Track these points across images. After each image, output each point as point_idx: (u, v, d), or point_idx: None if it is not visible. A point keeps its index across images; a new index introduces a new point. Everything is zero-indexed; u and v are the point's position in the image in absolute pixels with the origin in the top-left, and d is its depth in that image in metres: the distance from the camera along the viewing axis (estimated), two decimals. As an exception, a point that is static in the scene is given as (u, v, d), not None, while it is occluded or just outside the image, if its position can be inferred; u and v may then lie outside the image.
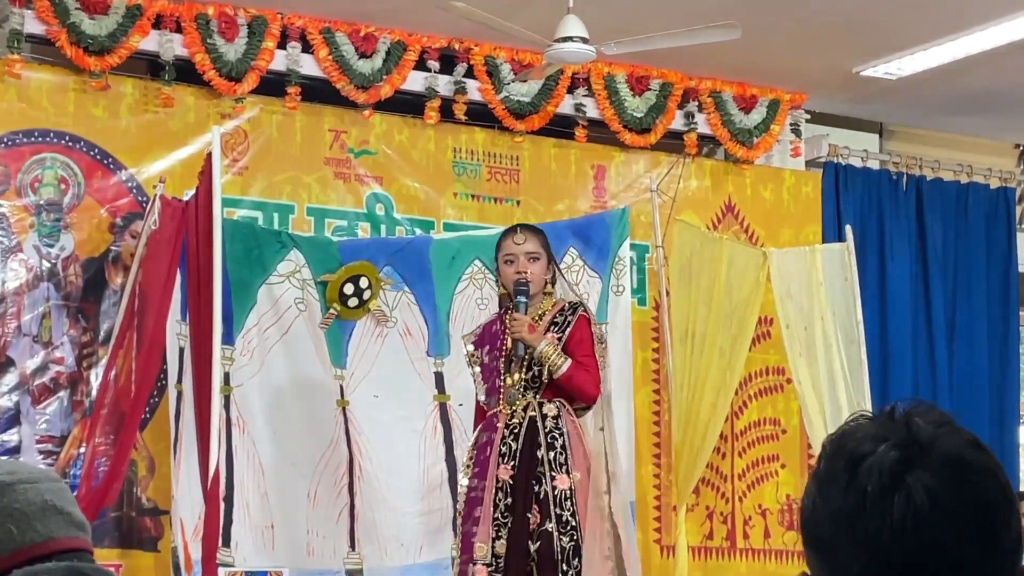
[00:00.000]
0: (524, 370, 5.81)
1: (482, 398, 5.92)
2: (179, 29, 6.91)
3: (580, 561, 5.69)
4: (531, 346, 5.77)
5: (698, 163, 8.19)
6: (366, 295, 6.80)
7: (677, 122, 8.04)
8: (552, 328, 5.84)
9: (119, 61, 6.77)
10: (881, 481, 1.46)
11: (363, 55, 7.26)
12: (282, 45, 7.12)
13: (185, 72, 6.94)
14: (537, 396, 5.80)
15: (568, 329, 5.85)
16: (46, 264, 6.61)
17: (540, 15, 6.62)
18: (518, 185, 7.71)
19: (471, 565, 5.66)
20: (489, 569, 5.66)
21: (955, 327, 8.89)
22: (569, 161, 7.87)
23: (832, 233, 8.37)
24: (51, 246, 6.64)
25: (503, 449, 5.75)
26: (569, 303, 5.98)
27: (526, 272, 5.81)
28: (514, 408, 5.79)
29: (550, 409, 5.80)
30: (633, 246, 7.61)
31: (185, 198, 6.40)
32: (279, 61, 7.11)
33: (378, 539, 6.75)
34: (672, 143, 8.09)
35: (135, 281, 6.43)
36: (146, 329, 6.24)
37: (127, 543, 6.60)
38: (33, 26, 6.65)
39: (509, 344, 5.83)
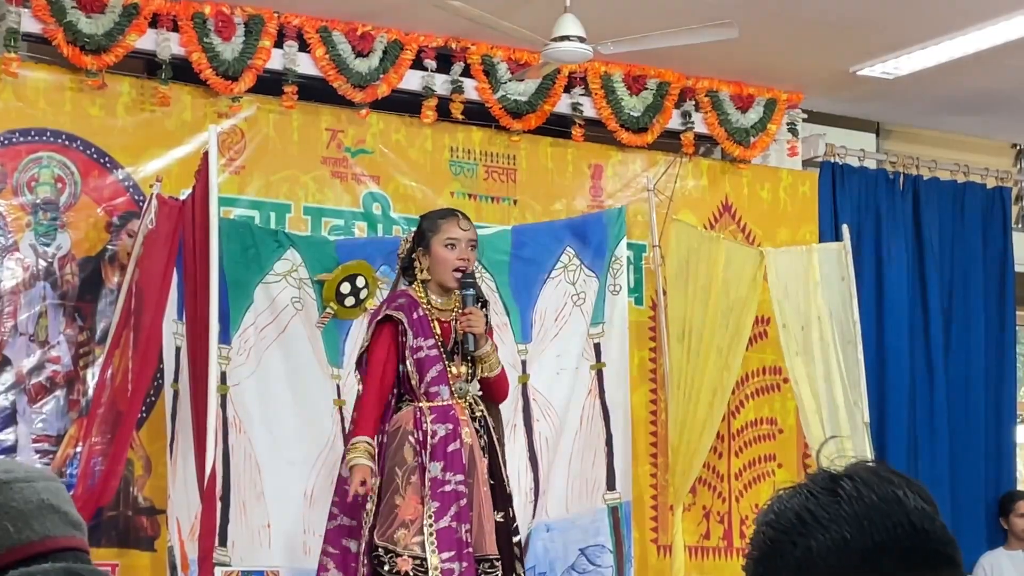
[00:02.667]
0: (468, 363, 5.77)
1: (422, 388, 5.66)
2: (176, 28, 6.90)
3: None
4: (480, 344, 5.73)
5: (695, 162, 8.19)
6: (363, 294, 6.80)
7: (674, 121, 8.04)
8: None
9: (116, 60, 6.76)
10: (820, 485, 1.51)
11: (360, 54, 7.25)
12: (279, 44, 7.11)
13: (182, 71, 6.94)
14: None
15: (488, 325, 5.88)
16: (42, 263, 6.61)
17: (537, 14, 6.62)
18: (515, 184, 7.71)
19: (459, 563, 5.50)
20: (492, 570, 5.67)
21: (951, 327, 8.89)
22: (566, 160, 7.87)
23: (829, 232, 8.37)
24: (47, 245, 6.63)
25: (481, 444, 5.71)
26: (479, 297, 5.90)
27: (467, 260, 5.72)
28: (469, 402, 5.71)
29: (485, 408, 5.83)
30: (630, 245, 7.61)
31: (182, 197, 6.40)
32: (276, 60, 7.10)
33: (375, 538, 6.74)
34: (669, 142, 8.09)
35: (132, 280, 6.43)
36: (143, 328, 6.24)
37: (123, 542, 6.60)
38: (30, 24, 6.65)
39: (438, 332, 5.69)
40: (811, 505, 1.49)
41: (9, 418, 6.48)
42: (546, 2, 6.61)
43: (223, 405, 6.40)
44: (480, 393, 5.85)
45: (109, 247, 6.75)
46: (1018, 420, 9.20)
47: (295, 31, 7.15)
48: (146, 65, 7.04)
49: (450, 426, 5.61)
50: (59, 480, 2.05)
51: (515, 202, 7.70)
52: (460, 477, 5.58)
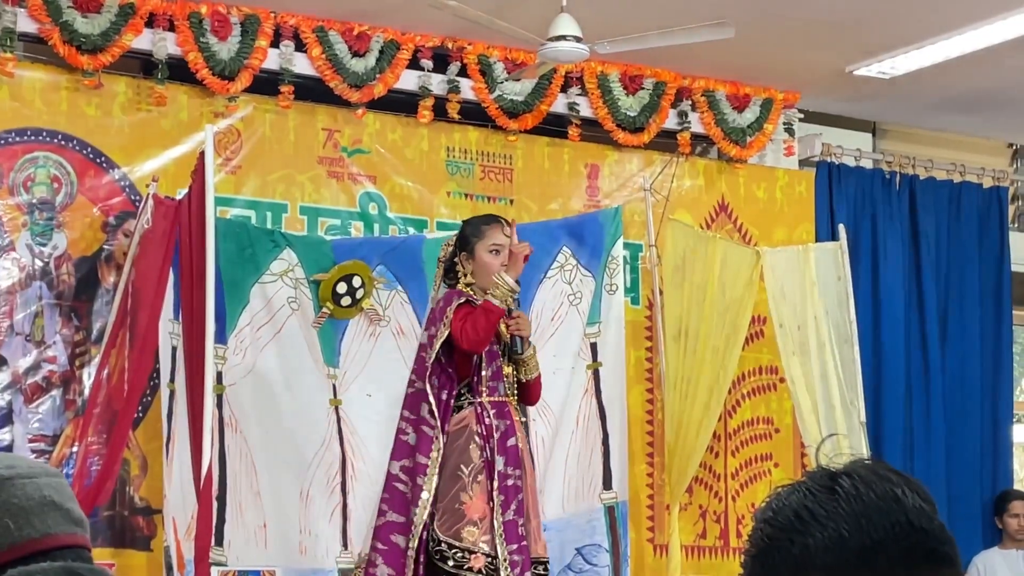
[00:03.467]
0: (511, 366, 5.86)
1: (488, 381, 5.79)
2: (172, 27, 6.90)
3: None
4: (526, 348, 5.80)
5: (691, 162, 8.19)
6: (359, 294, 6.79)
7: (670, 121, 8.04)
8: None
9: (112, 60, 6.75)
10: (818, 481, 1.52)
11: (356, 54, 7.25)
12: (275, 44, 7.11)
13: (178, 71, 6.93)
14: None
15: None
16: (39, 263, 6.60)
17: (533, 14, 6.62)
18: (511, 184, 7.71)
19: (519, 556, 5.60)
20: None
21: (948, 326, 8.89)
22: (562, 160, 7.86)
23: (825, 232, 8.37)
24: (44, 245, 6.62)
25: (530, 448, 5.86)
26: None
27: (508, 267, 5.80)
28: (516, 405, 5.82)
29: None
30: (626, 245, 7.61)
31: (178, 197, 6.40)
32: (272, 60, 7.10)
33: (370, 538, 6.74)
34: (665, 142, 8.08)
35: (128, 280, 6.42)
36: (139, 328, 6.23)
37: (120, 542, 6.59)
38: (26, 24, 6.64)
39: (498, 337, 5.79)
40: (809, 503, 1.48)
41: (5, 418, 6.48)
42: (542, 2, 6.60)
43: (219, 405, 6.39)
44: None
45: (105, 247, 6.74)
46: (1015, 419, 9.21)
47: (291, 31, 7.14)
48: (142, 65, 7.03)
49: (507, 422, 5.73)
50: (61, 476, 2.04)
51: (511, 202, 7.69)
52: (518, 472, 5.69)
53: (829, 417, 7.42)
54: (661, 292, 7.57)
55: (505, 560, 5.54)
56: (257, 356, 6.63)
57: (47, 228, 6.64)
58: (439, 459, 5.65)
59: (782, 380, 7.83)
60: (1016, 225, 9.61)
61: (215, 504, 6.10)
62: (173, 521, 6.23)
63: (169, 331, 6.37)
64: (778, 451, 8.16)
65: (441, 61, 7.50)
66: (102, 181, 6.77)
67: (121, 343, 6.35)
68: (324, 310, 6.73)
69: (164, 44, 6.85)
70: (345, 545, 6.71)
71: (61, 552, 1.90)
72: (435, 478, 5.64)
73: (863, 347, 7.71)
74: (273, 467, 6.61)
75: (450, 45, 7.48)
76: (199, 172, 6.11)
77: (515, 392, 5.85)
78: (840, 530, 1.46)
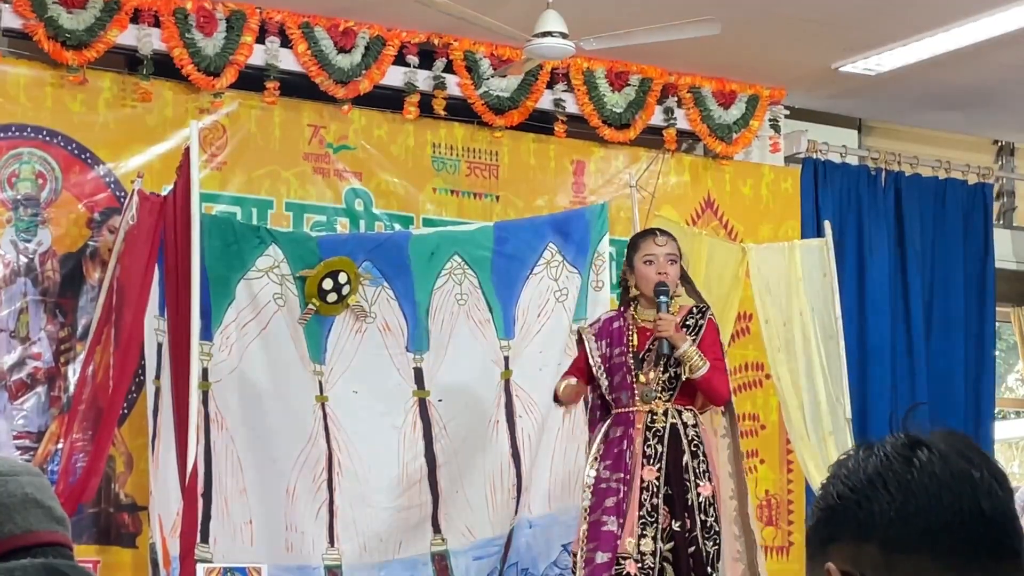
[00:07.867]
0: (661, 370, 6.00)
1: (609, 394, 6.05)
2: (157, 23, 6.88)
3: (722, 564, 5.96)
4: (675, 346, 5.95)
5: (677, 158, 8.19)
6: (345, 290, 6.78)
7: (656, 117, 8.04)
8: (684, 331, 6.04)
9: (97, 55, 6.74)
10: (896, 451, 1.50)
11: (342, 50, 7.24)
12: (261, 40, 7.09)
13: (163, 67, 6.92)
14: (672, 400, 6.00)
15: (700, 332, 6.08)
16: (23, 259, 6.59)
17: (519, 10, 6.61)
18: (497, 180, 7.70)
19: (601, 553, 5.80)
20: (637, 565, 5.83)
21: (933, 322, 8.90)
22: (548, 156, 7.86)
23: (811, 229, 8.38)
24: (28, 241, 6.61)
25: (647, 451, 5.93)
26: (696, 307, 6.22)
27: (666, 273, 6.03)
28: (653, 410, 5.96)
29: (688, 417, 6.03)
30: (612, 241, 7.60)
31: (163, 193, 6.39)
32: (258, 56, 7.09)
33: (357, 535, 6.74)
34: (651, 138, 8.09)
35: (113, 276, 6.41)
36: (124, 324, 6.22)
37: (105, 539, 6.58)
38: (10, 20, 6.62)
39: (634, 342, 6.03)
40: (883, 469, 1.46)
41: (-10, 415, 6.47)
42: (528, -2, 6.60)
43: (205, 401, 6.39)
44: (678, 407, 6.04)
45: (90, 243, 6.73)
46: (1000, 415, 9.22)
47: (277, 27, 7.13)
48: (127, 61, 7.02)
49: (623, 428, 5.98)
50: (43, 475, 2.04)
51: (497, 198, 7.69)
52: (620, 475, 5.90)
53: (815, 413, 7.42)
54: (647, 288, 7.56)
55: (582, 557, 5.84)
56: (243, 353, 6.62)
57: (32, 224, 6.62)
58: None
59: (768, 376, 7.83)
60: (1001, 222, 9.63)
61: (201, 501, 6.09)
62: (159, 518, 6.22)
63: (154, 327, 6.36)
64: (764, 447, 8.17)
65: (427, 57, 7.49)
66: (87, 177, 6.75)
67: (106, 340, 6.34)
68: (310, 306, 6.72)
69: (149, 40, 6.84)
70: (331, 542, 6.71)
71: (42, 549, 1.91)
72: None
73: (849, 343, 7.71)
74: (259, 464, 6.60)
75: (436, 41, 7.48)
76: (184, 168, 6.10)
77: (651, 399, 5.99)
78: (908, 505, 1.44)
